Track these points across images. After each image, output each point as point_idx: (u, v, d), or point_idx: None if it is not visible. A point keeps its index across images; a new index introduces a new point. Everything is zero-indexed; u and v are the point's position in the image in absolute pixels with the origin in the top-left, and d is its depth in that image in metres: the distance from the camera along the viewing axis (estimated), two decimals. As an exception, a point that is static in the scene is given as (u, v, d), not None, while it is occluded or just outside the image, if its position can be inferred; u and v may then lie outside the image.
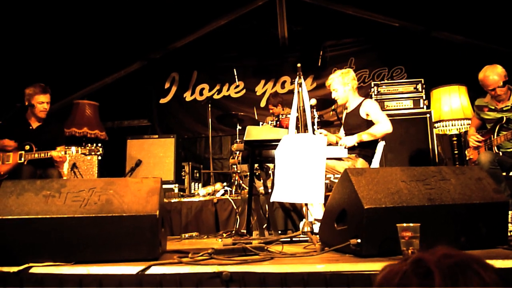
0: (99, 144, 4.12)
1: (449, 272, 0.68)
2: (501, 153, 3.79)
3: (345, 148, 3.49)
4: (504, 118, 3.79)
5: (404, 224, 1.77)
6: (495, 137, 3.81)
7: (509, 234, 2.48)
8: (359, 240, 1.98)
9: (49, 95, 4.21)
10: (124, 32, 6.37)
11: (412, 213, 2.01)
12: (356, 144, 3.63)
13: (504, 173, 3.72)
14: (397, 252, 1.80)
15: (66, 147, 4.09)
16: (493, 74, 3.75)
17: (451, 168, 2.36)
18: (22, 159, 4.01)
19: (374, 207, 1.97)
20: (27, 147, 4.06)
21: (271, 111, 5.88)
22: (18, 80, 5.09)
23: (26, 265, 1.95)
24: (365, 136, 3.62)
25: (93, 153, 4.07)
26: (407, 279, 0.70)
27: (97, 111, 6.46)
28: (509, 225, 2.76)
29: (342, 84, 3.86)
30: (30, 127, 4.20)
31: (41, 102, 4.14)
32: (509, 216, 2.77)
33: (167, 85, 7.55)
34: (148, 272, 1.87)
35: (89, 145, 4.10)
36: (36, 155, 4.01)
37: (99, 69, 6.96)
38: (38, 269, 1.95)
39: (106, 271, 1.91)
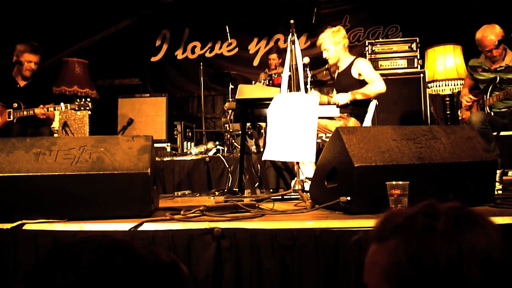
0: (88, 99, 4.08)
1: (455, 220, 0.71)
2: (492, 113, 3.80)
3: (337, 106, 3.47)
4: (498, 78, 3.77)
5: (394, 182, 1.79)
6: (488, 97, 3.81)
7: (496, 192, 2.53)
8: (348, 198, 2.01)
9: (39, 56, 4.10)
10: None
11: (402, 171, 2.03)
12: (348, 102, 3.62)
13: (494, 133, 3.75)
14: (386, 209, 1.83)
15: (55, 104, 4.04)
16: (491, 34, 3.67)
17: (442, 127, 2.37)
18: (11, 117, 3.96)
19: (364, 165, 1.99)
20: (15, 105, 4.00)
21: (274, 61, 5.77)
22: (4, 37, 4.95)
23: (19, 222, 1.96)
24: (358, 95, 3.60)
25: (82, 108, 4.02)
26: (413, 217, 0.73)
27: (87, 69, 6.33)
28: (497, 183, 2.82)
29: (333, 43, 3.78)
30: (18, 85, 4.12)
31: (29, 61, 4.04)
32: (497, 175, 2.81)
33: (158, 43, 7.37)
34: (140, 228, 1.89)
35: (78, 100, 4.05)
36: (25, 113, 3.97)
37: (88, 26, 6.74)
38: (32, 226, 1.97)
39: (99, 228, 1.94)
